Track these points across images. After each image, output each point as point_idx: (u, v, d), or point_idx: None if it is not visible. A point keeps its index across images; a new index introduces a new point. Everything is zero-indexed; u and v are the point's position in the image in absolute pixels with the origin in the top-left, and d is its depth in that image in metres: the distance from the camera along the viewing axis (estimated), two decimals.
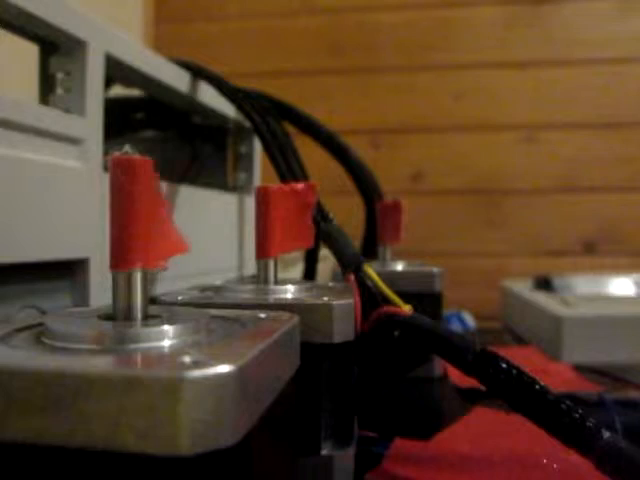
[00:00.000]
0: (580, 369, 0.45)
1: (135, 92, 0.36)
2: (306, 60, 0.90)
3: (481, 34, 0.86)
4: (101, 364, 0.12)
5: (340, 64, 0.89)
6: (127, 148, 0.14)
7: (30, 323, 0.16)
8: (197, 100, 0.36)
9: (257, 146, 0.44)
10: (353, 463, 0.21)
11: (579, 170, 0.85)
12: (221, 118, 0.40)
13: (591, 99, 0.84)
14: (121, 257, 0.14)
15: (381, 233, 0.36)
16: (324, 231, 0.27)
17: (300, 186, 0.24)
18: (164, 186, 0.31)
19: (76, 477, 0.11)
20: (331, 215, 0.27)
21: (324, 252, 0.36)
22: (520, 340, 0.60)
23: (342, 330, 0.20)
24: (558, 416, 0.19)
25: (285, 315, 0.18)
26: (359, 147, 0.41)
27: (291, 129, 0.37)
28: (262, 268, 0.23)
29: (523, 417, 0.20)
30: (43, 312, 0.23)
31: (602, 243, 0.84)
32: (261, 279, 0.23)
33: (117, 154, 0.14)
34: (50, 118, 0.23)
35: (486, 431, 0.30)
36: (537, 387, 0.20)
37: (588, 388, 0.39)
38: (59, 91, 0.25)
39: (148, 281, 0.15)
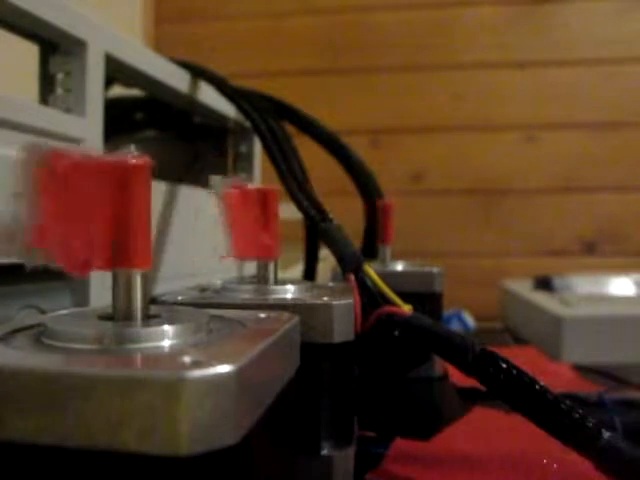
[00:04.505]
0: (580, 369, 0.45)
1: (135, 92, 0.36)
2: (306, 60, 0.90)
3: (481, 34, 0.86)
4: (101, 364, 0.12)
5: (340, 64, 0.89)
6: (132, 149, 0.14)
7: (30, 323, 0.16)
8: (197, 100, 0.36)
9: (257, 146, 0.44)
10: (353, 463, 0.21)
11: (579, 170, 0.85)
12: (221, 118, 0.40)
13: (591, 99, 0.84)
14: (121, 257, 0.14)
15: (381, 233, 0.36)
16: (324, 231, 0.27)
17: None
18: (164, 186, 0.31)
19: (76, 477, 0.11)
20: (331, 215, 0.27)
21: (324, 252, 0.36)
22: (520, 340, 0.60)
23: (342, 330, 0.20)
24: (558, 416, 0.19)
25: (285, 315, 0.18)
26: (359, 147, 0.41)
27: (291, 129, 0.37)
28: (262, 268, 0.23)
29: (523, 417, 0.20)
30: (43, 312, 0.23)
31: (602, 243, 0.84)
32: (261, 279, 0.23)
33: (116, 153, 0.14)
34: (50, 118, 0.23)
35: (486, 431, 0.30)
36: (537, 387, 0.20)
37: (588, 388, 0.39)
38: (59, 91, 0.25)
39: (148, 281, 0.15)
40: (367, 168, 0.39)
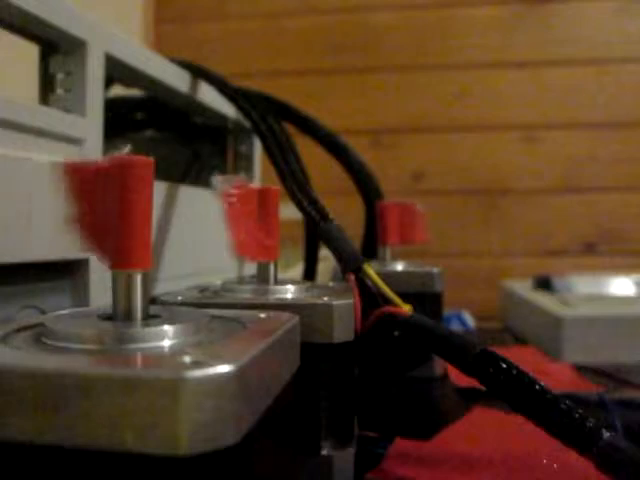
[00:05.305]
0: (580, 369, 0.45)
1: (135, 92, 0.36)
2: (306, 60, 0.90)
3: (481, 34, 0.86)
4: (101, 364, 0.12)
5: (340, 64, 0.89)
6: (127, 149, 0.14)
7: (30, 323, 0.16)
8: (197, 100, 0.36)
9: (257, 146, 0.44)
10: (353, 463, 0.21)
11: (579, 170, 0.85)
12: (221, 118, 0.40)
13: (591, 99, 0.84)
14: (121, 257, 0.14)
15: (383, 234, 0.36)
16: (324, 231, 0.27)
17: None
18: (164, 186, 0.31)
19: (76, 477, 0.11)
20: (331, 215, 0.27)
21: (324, 252, 0.36)
22: (520, 340, 0.60)
23: (342, 330, 0.20)
24: (558, 416, 0.19)
25: (285, 315, 0.18)
26: (359, 147, 0.41)
27: (291, 129, 0.37)
28: (262, 268, 0.23)
29: (523, 417, 0.20)
30: (43, 312, 0.23)
31: (602, 243, 0.84)
32: (261, 279, 0.23)
33: (116, 154, 0.14)
34: (50, 118, 0.23)
35: (486, 431, 0.30)
36: (537, 387, 0.20)
37: (588, 388, 0.39)
38: (59, 91, 0.25)
39: (148, 281, 0.15)
40: (367, 168, 0.39)
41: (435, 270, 0.32)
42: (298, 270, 0.43)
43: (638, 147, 0.84)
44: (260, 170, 0.45)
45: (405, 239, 0.36)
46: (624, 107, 0.84)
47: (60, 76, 0.25)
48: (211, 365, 0.11)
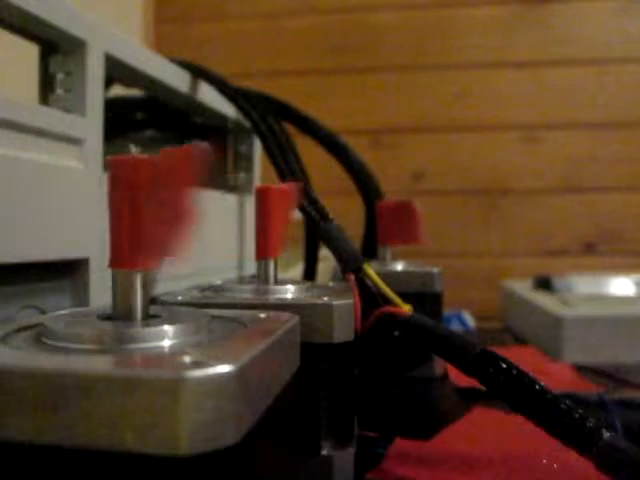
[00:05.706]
0: (580, 369, 0.45)
1: (135, 92, 0.36)
2: (306, 60, 0.90)
3: (481, 34, 0.86)
4: (101, 364, 0.12)
5: (340, 64, 0.89)
6: (132, 149, 0.14)
7: (30, 323, 0.16)
8: (197, 100, 0.36)
9: (257, 146, 0.44)
10: (353, 463, 0.21)
11: (579, 170, 0.85)
12: (221, 118, 0.40)
13: (591, 99, 0.84)
14: (121, 257, 0.14)
15: (383, 233, 0.36)
16: (324, 231, 0.27)
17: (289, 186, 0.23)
18: None
19: (76, 477, 0.11)
20: (331, 215, 0.27)
21: (324, 252, 0.36)
22: (520, 340, 0.60)
23: (342, 330, 0.20)
24: (558, 416, 0.19)
25: (285, 315, 0.18)
26: (359, 147, 0.41)
27: (291, 129, 0.37)
28: (262, 268, 0.23)
29: (523, 417, 0.20)
30: (43, 312, 0.23)
31: (602, 243, 0.84)
32: (261, 279, 0.23)
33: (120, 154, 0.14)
34: (50, 118, 0.23)
35: (486, 431, 0.30)
36: (537, 387, 0.20)
37: (588, 388, 0.39)
38: (59, 91, 0.25)
39: (148, 281, 0.15)
40: (367, 168, 0.39)
41: (435, 270, 0.32)
42: (298, 270, 0.43)
43: (638, 147, 0.84)
44: (260, 170, 0.45)
45: (404, 238, 0.36)
46: (624, 107, 0.84)
47: (60, 76, 0.25)
48: (211, 365, 0.11)
